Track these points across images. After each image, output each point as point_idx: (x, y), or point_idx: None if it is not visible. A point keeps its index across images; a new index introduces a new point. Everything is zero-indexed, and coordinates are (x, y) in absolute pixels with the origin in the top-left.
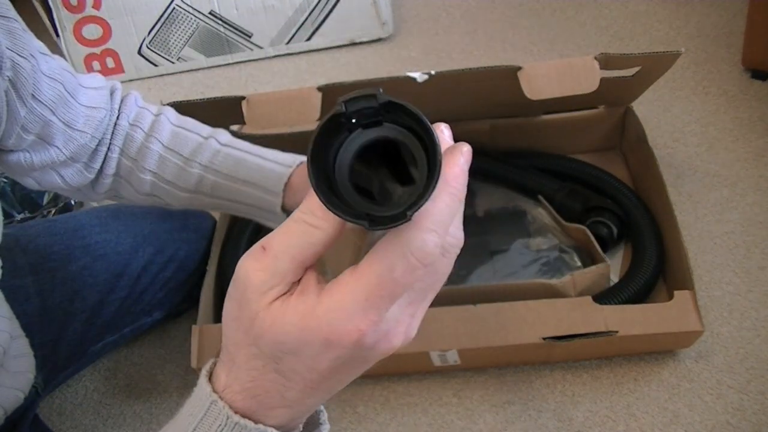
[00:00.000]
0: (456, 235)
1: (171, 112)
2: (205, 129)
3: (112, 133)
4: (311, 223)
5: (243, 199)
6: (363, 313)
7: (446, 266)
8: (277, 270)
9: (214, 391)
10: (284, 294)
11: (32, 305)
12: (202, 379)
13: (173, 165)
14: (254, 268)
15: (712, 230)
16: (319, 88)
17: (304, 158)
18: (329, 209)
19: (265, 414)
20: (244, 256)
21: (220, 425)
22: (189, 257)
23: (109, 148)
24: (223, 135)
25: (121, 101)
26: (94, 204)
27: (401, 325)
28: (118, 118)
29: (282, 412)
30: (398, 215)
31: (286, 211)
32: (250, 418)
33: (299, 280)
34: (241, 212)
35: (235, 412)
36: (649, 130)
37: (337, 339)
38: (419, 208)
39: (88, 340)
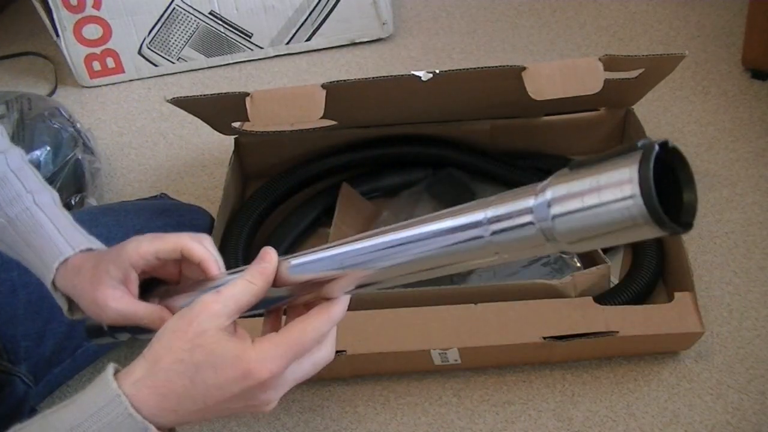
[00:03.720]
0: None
1: (16, 156)
2: (32, 183)
3: None
4: (250, 280)
5: (29, 260)
6: (280, 361)
7: (324, 360)
8: (227, 305)
9: (119, 386)
10: (225, 328)
11: (18, 298)
12: (110, 375)
13: None
14: (211, 300)
15: (712, 230)
16: (323, 86)
17: (92, 245)
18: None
19: (157, 413)
20: (202, 295)
21: (117, 415)
22: None
23: None
24: (41, 195)
25: None
26: (93, 202)
27: (285, 386)
28: None
29: (171, 415)
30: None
31: (58, 289)
32: (140, 413)
33: (234, 326)
34: (23, 263)
35: (135, 407)
36: (649, 131)
37: (255, 372)
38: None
39: (78, 333)
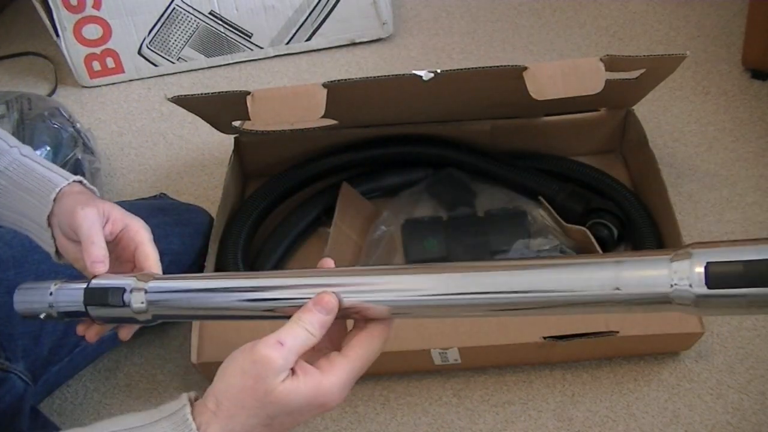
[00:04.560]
0: None
1: None
2: (12, 140)
3: None
4: (311, 332)
5: (21, 207)
6: (349, 384)
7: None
8: (288, 359)
9: None
10: (289, 375)
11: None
12: (188, 416)
13: None
14: (274, 357)
15: (712, 230)
16: (324, 85)
17: (83, 179)
18: None
19: None
20: (261, 345)
21: None
22: (184, 251)
23: None
24: (25, 149)
25: None
26: None
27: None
28: None
29: None
30: None
31: (51, 225)
32: None
33: (293, 366)
34: (17, 224)
35: None
36: (649, 131)
37: (330, 402)
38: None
39: (75, 332)
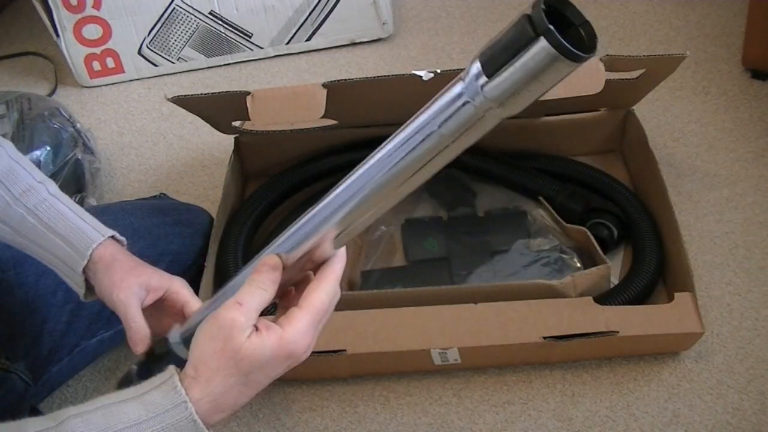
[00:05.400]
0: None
1: (10, 146)
2: (38, 173)
3: None
4: (264, 289)
5: (53, 249)
6: (311, 331)
7: (337, 300)
8: (250, 317)
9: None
10: (253, 332)
11: (14, 297)
12: (177, 382)
13: (0, 198)
14: (236, 316)
15: (712, 230)
16: (324, 85)
17: (114, 232)
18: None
19: (214, 416)
20: (223, 309)
21: (181, 419)
22: (184, 251)
23: None
24: (51, 186)
25: None
26: (93, 202)
27: (314, 342)
28: None
29: (223, 416)
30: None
31: (86, 274)
32: (201, 419)
33: (257, 324)
34: (45, 259)
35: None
36: (649, 131)
37: (296, 351)
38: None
39: (75, 332)
